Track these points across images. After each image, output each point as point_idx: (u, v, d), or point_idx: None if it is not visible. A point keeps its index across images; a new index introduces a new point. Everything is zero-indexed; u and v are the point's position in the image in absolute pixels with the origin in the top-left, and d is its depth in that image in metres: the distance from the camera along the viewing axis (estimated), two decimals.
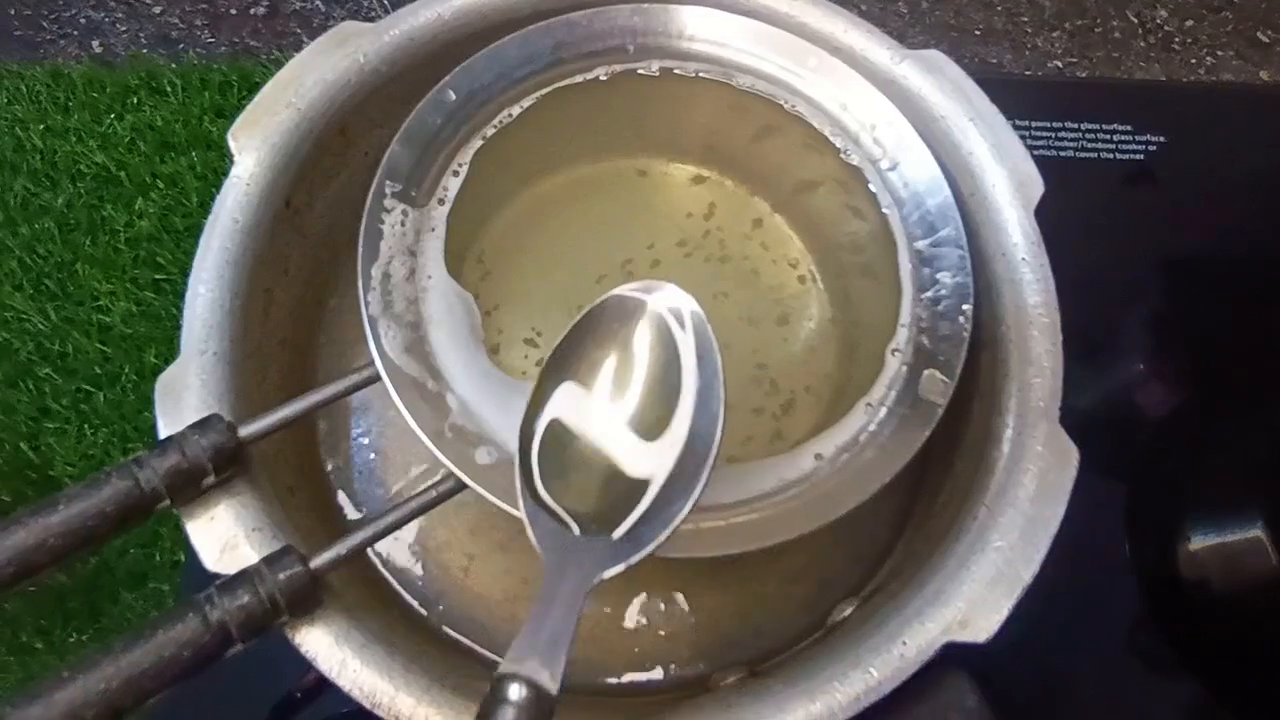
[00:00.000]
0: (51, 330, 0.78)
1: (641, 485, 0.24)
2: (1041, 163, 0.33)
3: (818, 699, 0.25)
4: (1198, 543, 0.39)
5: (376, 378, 0.28)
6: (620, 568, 0.23)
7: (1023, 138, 0.34)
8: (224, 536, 0.26)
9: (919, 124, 0.34)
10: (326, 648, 0.25)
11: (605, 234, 0.37)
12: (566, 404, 0.25)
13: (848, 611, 0.32)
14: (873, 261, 0.34)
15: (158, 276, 0.81)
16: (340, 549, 0.26)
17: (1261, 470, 0.41)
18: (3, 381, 0.77)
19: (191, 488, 0.26)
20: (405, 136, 0.32)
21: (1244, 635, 0.39)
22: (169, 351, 0.76)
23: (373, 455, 0.36)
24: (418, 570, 0.35)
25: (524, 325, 0.35)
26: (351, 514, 0.36)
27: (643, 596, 0.34)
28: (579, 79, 0.34)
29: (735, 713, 0.26)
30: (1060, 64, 1.00)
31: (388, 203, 0.31)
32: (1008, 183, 0.33)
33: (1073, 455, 0.29)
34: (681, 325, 0.26)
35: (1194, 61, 1.00)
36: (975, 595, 0.27)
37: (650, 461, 0.24)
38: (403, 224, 0.31)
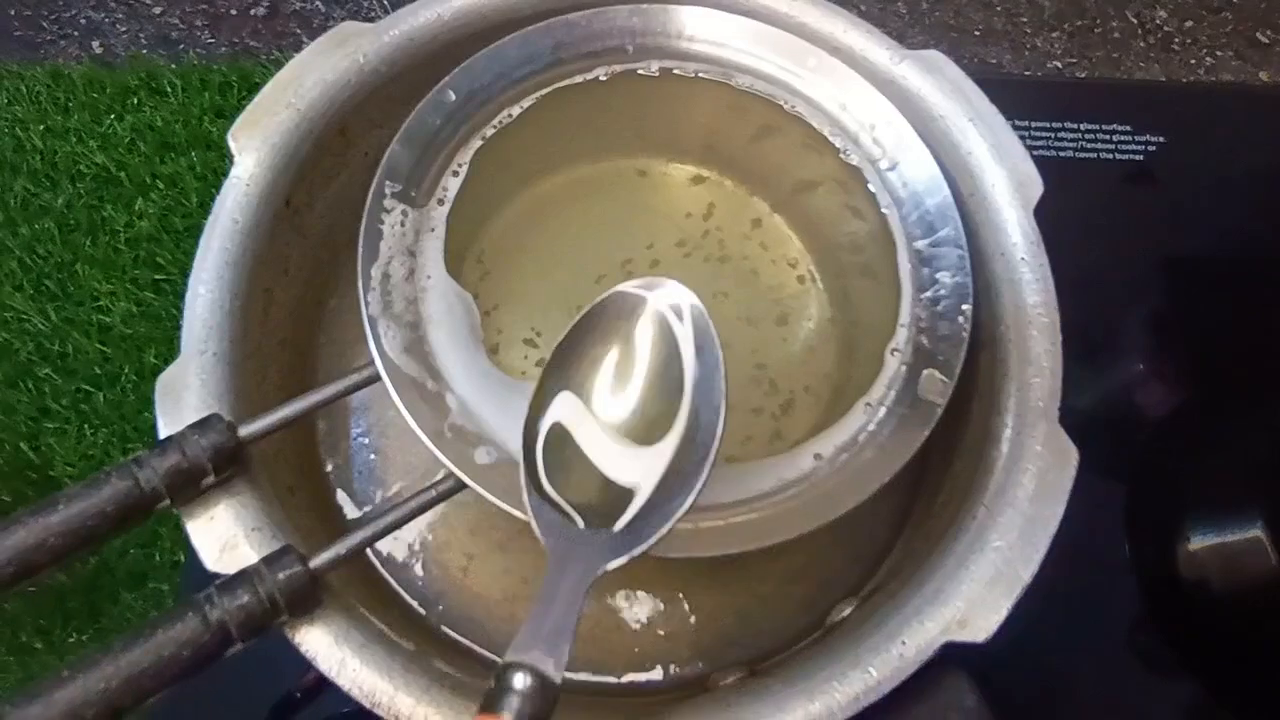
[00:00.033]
0: (51, 330, 0.79)
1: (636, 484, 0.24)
2: (1041, 163, 0.33)
3: (817, 699, 0.25)
4: (1197, 543, 0.39)
5: (376, 378, 0.28)
6: (623, 560, 0.23)
7: (1022, 138, 0.34)
8: (224, 536, 0.26)
9: (918, 124, 0.34)
10: (326, 647, 0.25)
11: (605, 234, 0.37)
12: (566, 409, 0.26)
13: (847, 611, 0.32)
14: (872, 261, 0.34)
15: (157, 277, 0.81)
16: (340, 549, 0.26)
17: (1261, 470, 0.41)
18: (3, 382, 0.77)
19: (191, 487, 0.26)
20: (405, 137, 0.32)
21: (1244, 635, 0.39)
22: (169, 352, 0.76)
23: (372, 455, 0.36)
24: (417, 570, 0.35)
25: (523, 325, 0.35)
26: (351, 514, 0.36)
27: (642, 596, 0.34)
28: (579, 79, 0.34)
29: (734, 712, 0.26)
30: (1060, 64, 1.00)
31: (387, 203, 0.31)
32: (1007, 183, 0.33)
33: (1072, 455, 0.29)
34: (680, 320, 0.26)
35: (1193, 62, 1.00)
36: (974, 595, 0.27)
37: (637, 470, 0.24)
38: (402, 224, 0.31)
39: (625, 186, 0.38)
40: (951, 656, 0.27)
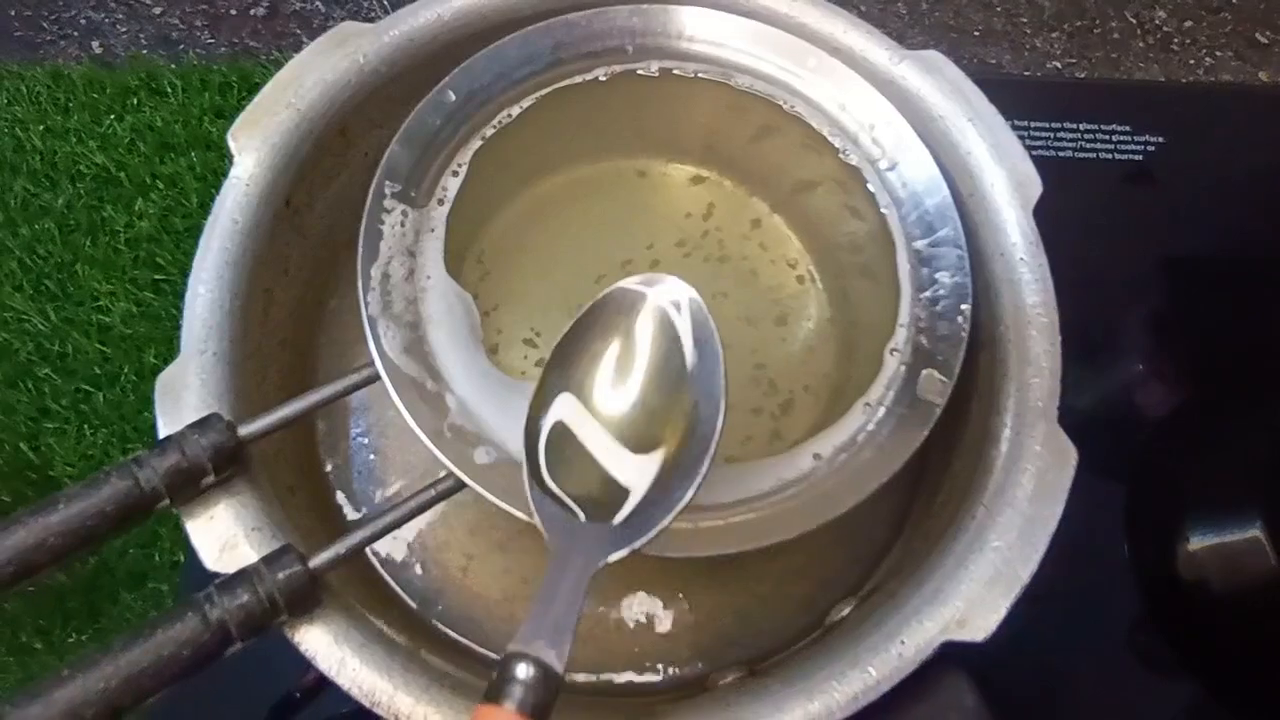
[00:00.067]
0: (51, 331, 0.79)
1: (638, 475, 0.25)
2: (1040, 163, 0.33)
3: (816, 698, 0.26)
4: (1197, 543, 0.39)
5: (376, 378, 0.28)
6: (624, 552, 0.23)
7: (1022, 138, 0.34)
8: (223, 536, 0.26)
9: (918, 124, 0.34)
10: (326, 647, 0.25)
11: (604, 234, 0.37)
12: (568, 403, 0.26)
13: (846, 611, 0.32)
14: (871, 261, 0.34)
15: (157, 277, 0.81)
16: (339, 548, 0.26)
17: (1261, 470, 0.41)
18: (3, 382, 0.77)
19: (191, 487, 0.26)
20: (405, 137, 0.32)
21: (1243, 635, 0.39)
22: (168, 352, 0.76)
23: (372, 455, 0.37)
24: (416, 570, 0.35)
25: (523, 325, 0.35)
26: (350, 514, 0.36)
27: (642, 596, 0.34)
28: (578, 79, 0.34)
29: (734, 712, 0.26)
30: (1059, 64, 1.00)
31: (387, 203, 0.31)
32: (1006, 183, 0.33)
33: (1071, 455, 0.29)
34: (680, 315, 0.26)
35: (1193, 62, 1.00)
36: (973, 595, 0.27)
37: (637, 464, 0.25)
38: (402, 224, 0.31)
39: (625, 187, 0.38)
40: (951, 656, 0.27)
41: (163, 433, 0.27)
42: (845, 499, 0.28)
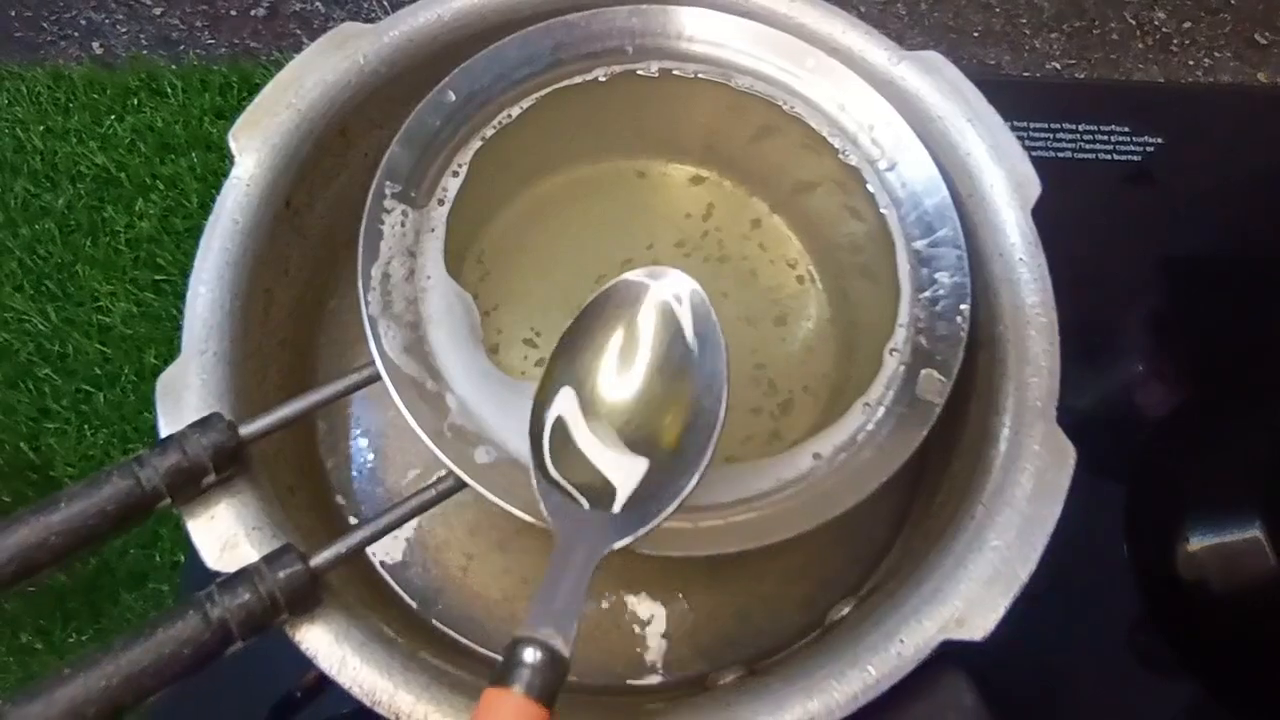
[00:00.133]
0: (52, 331, 0.79)
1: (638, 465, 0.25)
2: (1040, 164, 0.33)
3: (815, 697, 0.26)
4: (1196, 543, 0.39)
5: (376, 377, 0.28)
6: (629, 539, 0.24)
7: (1021, 139, 0.34)
8: (224, 535, 0.26)
9: (917, 125, 0.34)
10: (326, 645, 0.26)
11: (604, 234, 0.37)
12: (573, 394, 0.26)
13: (845, 610, 0.32)
14: (871, 262, 0.34)
15: (158, 277, 0.81)
16: (340, 547, 0.26)
17: (1261, 470, 0.41)
18: (3, 382, 0.77)
19: (192, 486, 0.26)
20: (405, 137, 0.32)
21: (1243, 635, 0.39)
22: (169, 352, 0.77)
23: (372, 455, 0.37)
24: (416, 569, 0.35)
25: (523, 325, 0.35)
26: (351, 514, 0.36)
27: (642, 596, 0.34)
28: (578, 80, 0.34)
29: (734, 711, 0.26)
30: (1058, 65, 1.00)
31: (388, 203, 0.31)
32: (1005, 183, 0.33)
33: (1069, 454, 0.29)
34: (683, 306, 0.27)
35: (1192, 63, 1.00)
36: (972, 594, 0.27)
37: (622, 472, 0.25)
38: (402, 224, 0.31)
39: (625, 187, 0.39)
40: (950, 655, 0.27)
41: (164, 432, 0.27)
42: (845, 498, 0.28)
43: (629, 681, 0.33)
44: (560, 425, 0.26)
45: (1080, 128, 0.50)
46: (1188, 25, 1.02)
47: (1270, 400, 0.44)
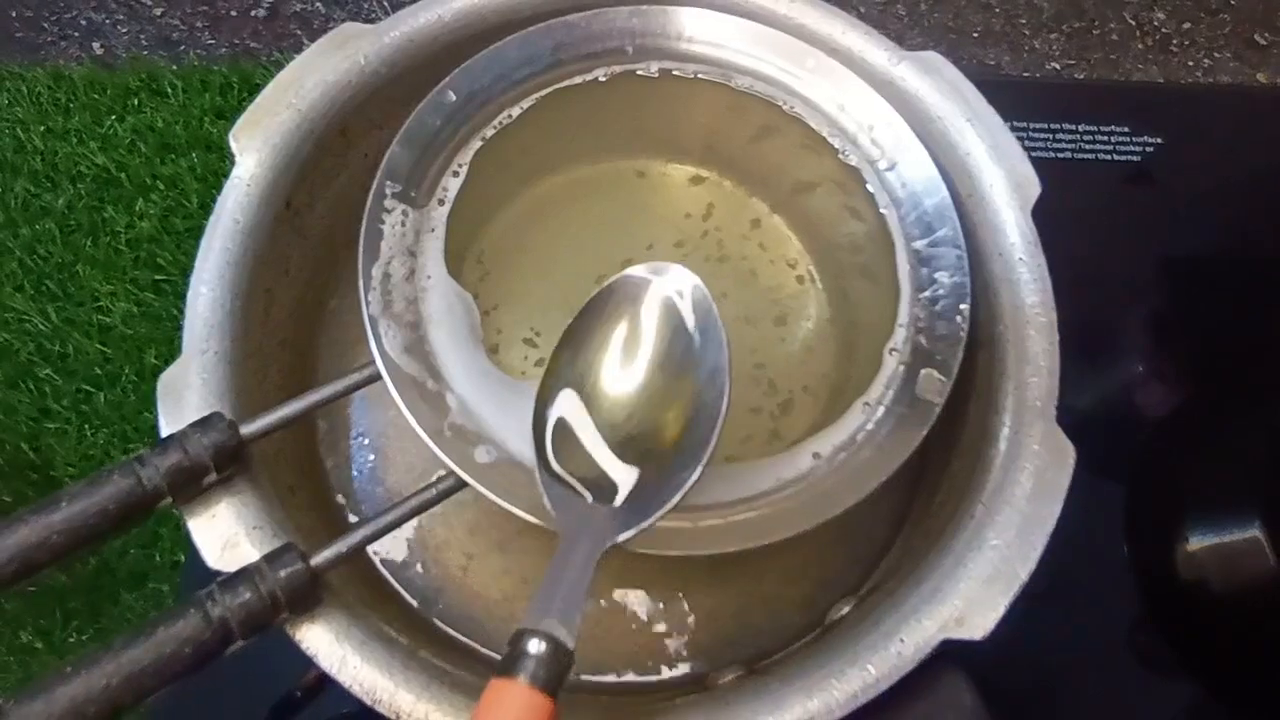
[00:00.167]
0: (52, 331, 0.79)
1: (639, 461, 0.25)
2: (1039, 164, 0.33)
3: (815, 696, 0.26)
4: (1196, 543, 0.39)
5: (376, 377, 0.28)
6: (632, 532, 0.24)
7: (1021, 139, 0.34)
8: (225, 534, 0.27)
9: (916, 125, 0.34)
10: (327, 644, 0.26)
11: (604, 234, 0.37)
12: (575, 389, 0.27)
13: (845, 610, 0.32)
14: (871, 262, 0.34)
15: (158, 278, 0.81)
16: (340, 547, 0.26)
17: (1261, 470, 0.41)
18: (3, 382, 0.77)
19: (193, 485, 0.26)
20: (405, 137, 0.32)
21: (1242, 635, 0.39)
22: (169, 352, 0.77)
23: (372, 455, 0.37)
24: (417, 569, 0.35)
25: (523, 325, 0.35)
26: (351, 513, 0.36)
27: (641, 595, 0.34)
28: (578, 80, 0.34)
29: (733, 710, 0.26)
30: (1058, 66, 1.00)
31: (388, 203, 0.31)
32: (1005, 183, 0.33)
33: (1069, 454, 0.29)
34: (684, 301, 0.27)
35: (1191, 63, 1.00)
36: (972, 593, 0.27)
37: (623, 472, 0.25)
38: (403, 224, 0.31)
39: (625, 187, 0.39)
40: (950, 654, 0.27)
41: (164, 431, 0.27)
42: (844, 498, 0.28)
43: (629, 681, 0.33)
44: (563, 420, 0.26)
45: (1080, 128, 0.50)
46: (1187, 26, 1.02)
47: (1270, 400, 0.44)
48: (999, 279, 0.32)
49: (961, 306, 0.31)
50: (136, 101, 0.89)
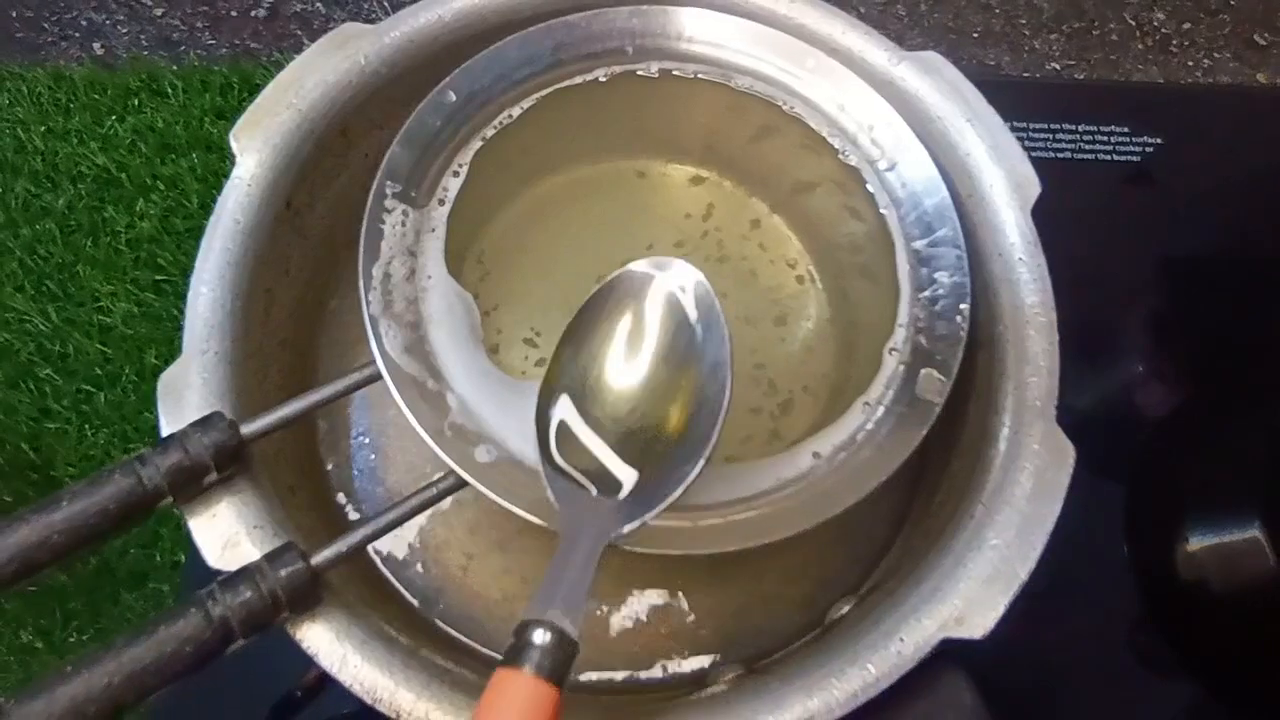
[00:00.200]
0: (52, 331, 0.79)
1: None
2: (1039, 164, 0.33)
3: (815, 695, 0.26)
4: (1196, 543, 0.39)
5: (377, 377, 0.29)
6: (636, 524, 0.24)
7: (1021, 139, 0.34)
8: (226, 534, 0.27)
9: (916, 125, 0.34)
10: (327, 644, 0.26)
11: (604, 234, 0.37)
12: (578, 383, 0.27)
13: (845, 609, 0.32)
14: (870, 261, 0.34)
15: (158, 278, 0.81)
16: (341, 546, 0.26)
17: (1260, 470, 0.41)
18: (4, 382, 0.77)
19: (193, 485, 0.26)
20: (406, 137, 0.32)
21: (1242, 635, 0.39)
22: (169, 352, 0.77)
23: (372, 455, 0.37)
24: (417, 568, 0.35)
25: (523, 325, 0.35)
26: (352, 513, 0.36)
27: (641, 595, 0.34)
28: (578, 80, 0.34)
29: (734, 710, 0.26)
30: (1058, 66, 1.00)
31: (388, 203, 0.31)
32: (1005, 183, 0.33)
33: (1069, 454, 0.29)
34: (687, 295, 0.27)
35: (1191, 64, 1.00)
36: (972, 592, 0.27)
37: (626, 465, 0.26)
38: (403, 224, 0.31)
39: (625, 187, 0.39)
40: (950, 654, 0.27)
41: (165, 431, 0.27)
42: (844, 497, 0.28)
43: (629, 680, 0.33)
44: (567, 413, 0.26)
45: (1080, 128, 0.50)
46: (1187, 26, 1.02)
47: (1270, 400, 0.44)
48: (999, 279, 0.32)
49: (961, 306, 0.31)
50: (137, 102, 0.89)
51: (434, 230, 0.31)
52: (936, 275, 0.32)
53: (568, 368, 0.27)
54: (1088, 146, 0.49)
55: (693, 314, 0.27)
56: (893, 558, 0.34)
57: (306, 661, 0.26)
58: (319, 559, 0.25)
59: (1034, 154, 0.34)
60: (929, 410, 0.30)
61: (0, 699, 0.22)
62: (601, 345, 0.27)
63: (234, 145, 0.32)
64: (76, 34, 0.98)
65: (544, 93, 0.34)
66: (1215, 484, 0.41)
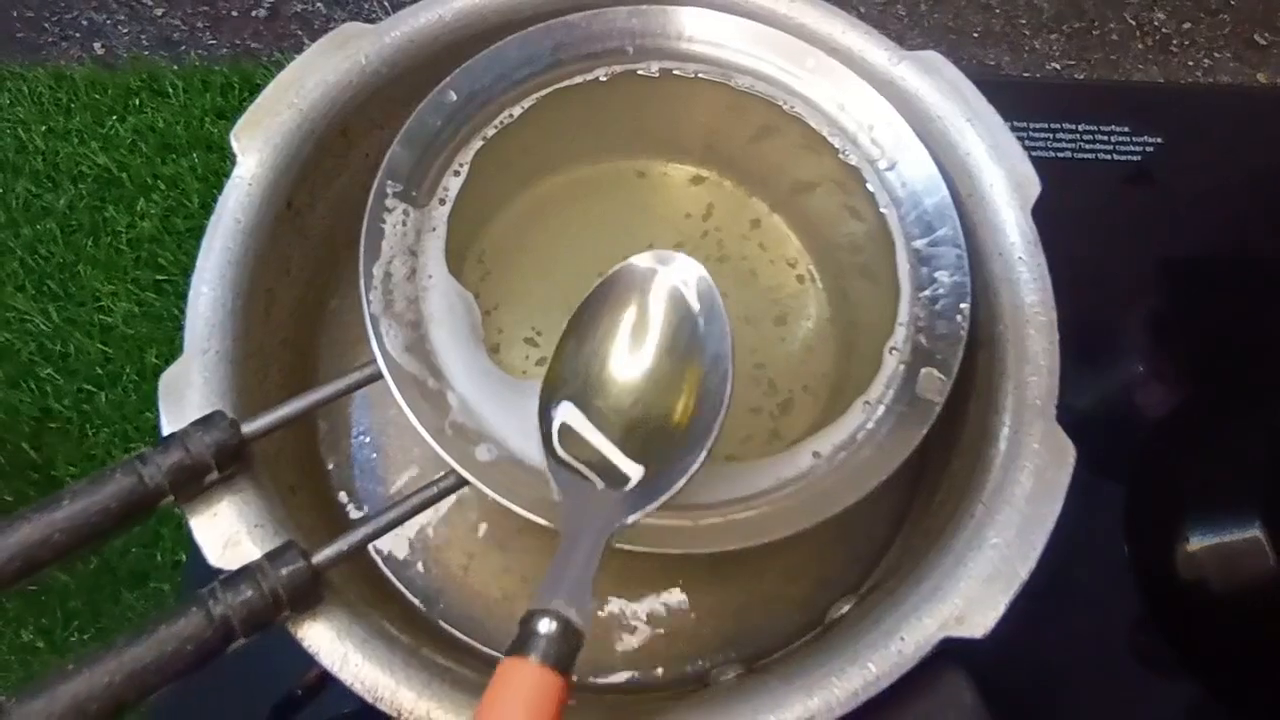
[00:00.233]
0: (53, 331, 0.79)
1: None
2: (1040, 164, 0.33)
3: (815, 694, 0.26)
4: (1196, 543, 0.39)
5: (378, 376, 0.29)
6: (639, 514, 0.24)
7: (1021, 139, 0.34)
8: (227, 533, 0.27)
9: (916, 124, 0.34)
10: (328, 643, 0.26)
11: (604, 234, 0.37)
12: (580, 379, 0.27)
13: (846, 608, 0.32)
14: (871, 261, 0.34)
15: (159, 277, 0.81)
16: (342, 545, 0.26)
17: (1260, 470, 0.41)
18: (5, 382, 0.77)
19: (195, 484, 0.26)
20: (406, 137, 0.32)
21: (1242, 635, 0.39)
22: (170, 352, 0.77)
23: (373, 454, 0.37)
24: (418, 567, 0.35)
25: (524, 324, 0.35)
26: (352, 512, 0.36)
27: (642, 594, 0.34)
28: (579, 80, 0.34)
29: (734, 710, 0.26)
30: (1058, 66, 1.00)
31: (389, 203, 0.31)
32: (1005, 183, 0.33)
33: (1069, 453, 0.29)
34: (689, 289, 0.27)
35: (1191, 63, 1.00)
36: (972, 592, 0.27)
37: (629, 457, 0.26)
38: (404, 224, 0.31)
39: (625, 187, 0.39)
40: (950, 653, 0.27)
41: (166, 430, 0.27)
42: (845, 497, 0.28)
43: (629, 680, 0.33)
44: (570, 405, 0.27)
45: (1080, 128, 0.50)
46: (1187, 26, 1.02)
47: (1270, 400, 0.44)
48: (999, 278, 0.32)
49: (961, 306, 0.31)
50: (138, 102, 0.89)
51: (435, 230, 0.31)
52: (937, 274, 0.32)
53: (571, 361, 0.27)
54: (1088, 146, 0.50)
55: (695, 306, 0.27)
56: (893, 557, 0.34)
57: (307, 660, 0.26)
58: (320, 558, 0.25)
59: (1034, 154, 0.34)
60: (929, 409, 0.30)
61: (1, 698, 0.22)
62: (605, 338, 0.27)
63: (235, 145, 0.32)
64: (77, 34, 0.98)
65: (544, 92, 0.34)
66: (1215, 484, 0.41)
